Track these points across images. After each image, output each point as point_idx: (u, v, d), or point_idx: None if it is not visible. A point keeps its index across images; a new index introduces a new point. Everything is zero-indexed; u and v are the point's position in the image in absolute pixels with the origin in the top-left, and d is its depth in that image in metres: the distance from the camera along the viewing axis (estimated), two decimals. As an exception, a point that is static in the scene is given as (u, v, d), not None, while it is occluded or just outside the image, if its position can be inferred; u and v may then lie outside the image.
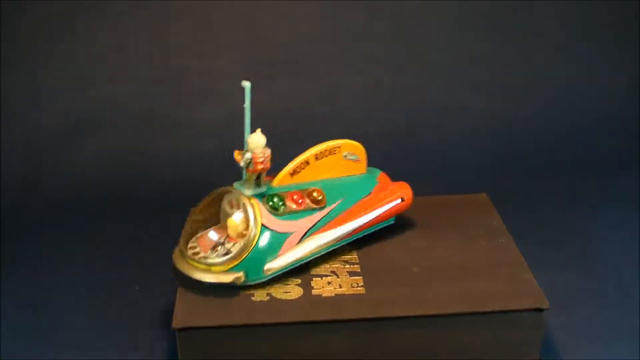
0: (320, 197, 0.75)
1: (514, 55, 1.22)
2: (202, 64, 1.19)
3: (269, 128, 1.16)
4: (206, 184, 1.08)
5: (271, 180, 0.75)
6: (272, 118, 1.17)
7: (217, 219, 0.77)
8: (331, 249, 0.76)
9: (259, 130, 0.73)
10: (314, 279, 0.74)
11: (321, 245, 0.75)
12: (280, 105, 1.18)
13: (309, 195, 0.75)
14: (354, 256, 0.78)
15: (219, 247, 0.74)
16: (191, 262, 0.72)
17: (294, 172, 0.76)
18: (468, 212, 0.85)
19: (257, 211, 0.72)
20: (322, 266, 0.76)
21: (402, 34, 1.21)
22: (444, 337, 0.71)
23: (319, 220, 0.75)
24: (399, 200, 0.80)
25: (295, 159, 0.76)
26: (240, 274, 0.71)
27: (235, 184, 0.75)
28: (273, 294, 0.72)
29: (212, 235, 0.76)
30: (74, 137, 1.14)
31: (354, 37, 1.21)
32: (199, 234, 0.76)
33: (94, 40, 1.17)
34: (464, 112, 1.19)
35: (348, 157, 0.79)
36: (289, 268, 0.73)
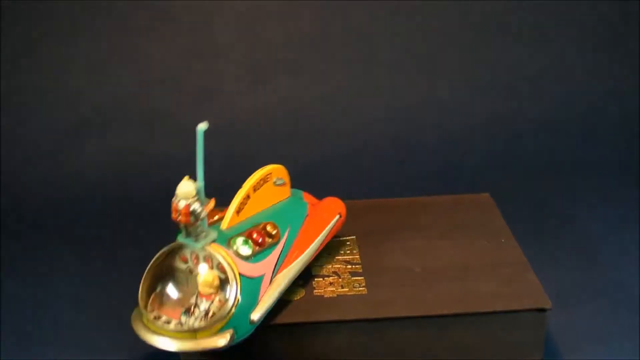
0: (274, 231, 0.70)
1: (515, 56, 1.22)
2: (203, 64, 1.19)
3: (269, 128, 1.16)
4: (208, 184, 1.09)
5: (218, 224, 0.70)
6: (271, 119, 1.18)
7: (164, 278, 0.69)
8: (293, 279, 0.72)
9: (185, 178, 0.67)
10: (315, 279, 0.74)
11: (290, 279, 0.71)
12: (280, 105, 1.18)
13: (264, 230, 0.70)
14: (355, 257, 0.78)
15: (192, 308, 0.66)
16: (163, 332, 0.65)
17: (239, 210, 0.71)
18: (470, 212, 0.85)
19: (230, 260, 0.66)
20: (324, 267, 0.76)
21: (402, 34, 1.21)
22: (445, 338, 0.71)
23: (280, 254, 0.70)
24: (338, 217, 0.78)
25: (236, 196, 0.71)
26: (231, 331, 0.65)
27: (180, 238, 0.68)
28: (275, 295, 0.72)
29: (174, 295, 0.68)
30: (74, 138, 1.14)
31: (354, 37, 1.20)
32: (163, 301, 0.68)
33: (94, 40, 1.17)
34: (466, 112, 1.19)
35: (277, 183, 0.75)
36: (270, 308, 0.69)
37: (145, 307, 0.67)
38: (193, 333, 0.64)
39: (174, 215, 0.65)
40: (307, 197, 0.79)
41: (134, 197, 1.07)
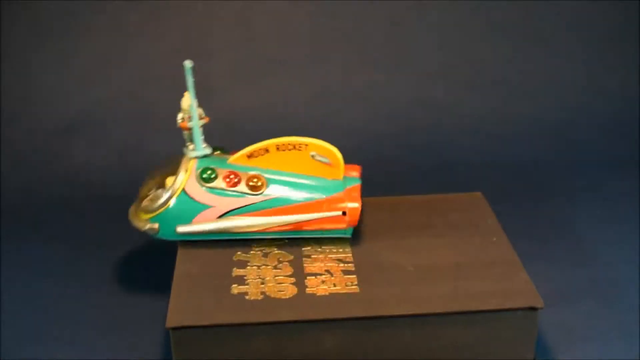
0: (259, 184, 0.77)
1: (510, 55, 1.22)
2: (196, 63, 1.19)
3: (263, 128, 1.16)
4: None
5: (229, 156, 0.79)
6: (266, 117, 1.18)
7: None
8: (264, 236, 0.78)
9: (185, 94, 0.79)
10: (308, 277, 0.74)
11: (240, 227, 0.77)
12: (274, 105, 1.18)
13: (249, 179, 0.77)
14: (348, 255, 0.78)
15: (154, 197, 0.78)
16: (135, 207, 0.80)
17: (250, 155, 0.78)
18: (463, 211, 0.85)
19: (186, 175, 0.77)
20: (317, 265, 0.76)
21: (395, 33, 1.21)
22: (438, 336, 0.71)
23: (250, 205, 0.77)
24: (339, 213, 0.77)
25: (256, 144, 0.78)
26: (155, 225, 0.77)
27: (189, 153, 0.80)
28: (267, 293, 0.72)
29: (158, 189, 0.79)
30: (73, 137, 1.14)
31: (348, 37, 1.21)
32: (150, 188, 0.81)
33: (91, 40, 1.17)
34: (458, 110, 1.19)
35: (317, 158, 0.78)
36: (206, 238, 0.78)
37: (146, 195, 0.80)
38: (140, 213, 0.79)
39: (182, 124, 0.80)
40: (352, 189, 0.79)
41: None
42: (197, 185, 0.77)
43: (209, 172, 0.77)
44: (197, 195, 0.77)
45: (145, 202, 0.79)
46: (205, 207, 0.77)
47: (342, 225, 0.78)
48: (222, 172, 0.78)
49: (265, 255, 0.78)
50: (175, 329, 0.68)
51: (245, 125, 1.16)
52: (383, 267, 0.75)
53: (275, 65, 1.19)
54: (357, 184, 0.79)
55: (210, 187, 0.77)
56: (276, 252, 0.78)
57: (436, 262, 0.76)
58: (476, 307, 0.70)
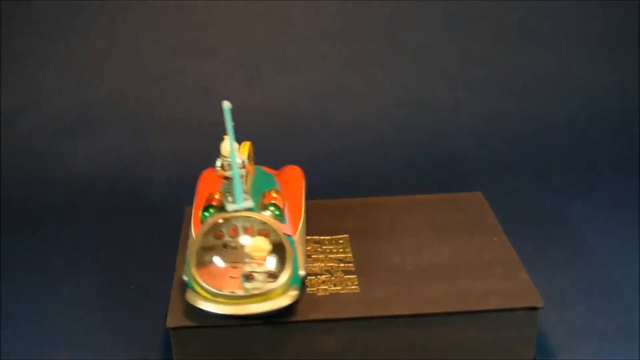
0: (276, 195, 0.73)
1: (511, 55, 1.22)
2: (199, 63, 1.19)
3: (263, 127, 1.16)
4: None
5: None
6: (266, 117, 1.18)
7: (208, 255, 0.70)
8: None
9: (225, 138, 0.71)
10: (308, 277, 0.74)
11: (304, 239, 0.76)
12: (275, 103, 1.18)
13: (277, 195, 0.73)
14: (348, 255, 0.78)
15: (255, 274, 0.68)
16: (234, 301, 0.67)
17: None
18: (463, 210, 0.85)
19: (272, 221, 0.69)
20: (317, 265, 0.76)
21: (397, 33, 1.21)
22: (438, 336, 0.71)
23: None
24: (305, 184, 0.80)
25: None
26: (295, 287, 0.68)
27: (226, 203, 0.70)
28: (267, 293, 0.72)
29: (219, 264, 0.69)
30: (73, 137, 1.14)
31: (348, 35, 1.21)
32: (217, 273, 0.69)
33: (91, 40, 1.17)
34: (460, 110, 1.19)
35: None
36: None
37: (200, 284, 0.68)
38: (267, 296, 0.67)
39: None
40: (266, 169, 0.80)
41: (132, 196, 1.07)
42: (278, 222, 0.70)
43: (272, 207, 0.71)
44: (287, 230, 0.71)
45: (251, 286, 0.68)
46: (291, 237, 0.71)
47: None
48: (275, 200, 0.72)
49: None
50: (175, 329, 0.68)
51: (244, 125, 1.16)
52: (383, 267, 0.75)
53: (274, 66, 1.19)
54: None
55: (282, 218, 0.71)
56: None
57: (436, 262, 0.76)
58: (476, 307, 0.70)
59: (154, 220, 1.01)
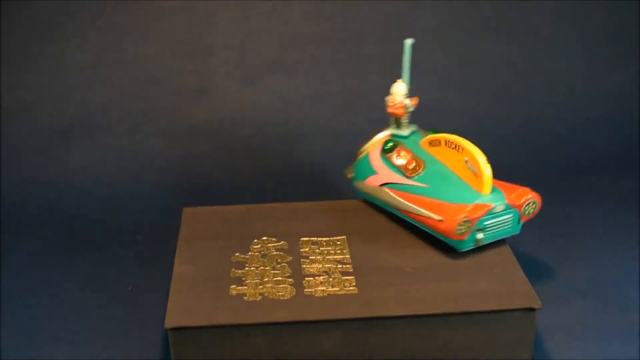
0: (411, 168, 0.81)
1: (509, 55, 1.22)
2: (196, 64, 1.19)
3: (261, 128, 1.16)
4: (202, 184, 1.09)
5: (424, 136, 0.84)
6: (264, 118, 1.18)
7: None
8: (399, 214, 0.82)
9: (399, 81, 0.83)
10: (306, 278, 0.74)
11: (385, 200, 0.83)
12: (273, 104, 1.18)
13: (409, 162, 0.81)
14: (346, 256, 0.78)
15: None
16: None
17: (431, 143, 0.82)
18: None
19: (375, 143, 0.85)
20: (315, 266, 0.76)
21: (394, 34, 1.21)
22: (436, 337, 0.71)
23: (399, 184, 0.81)
24: (437, 217, 0.76)
25: (439, 134, 0.82)
26: (351, 174, 0.88)
27: (391, 129, 0.86)
28: (265, 294, 0.72)
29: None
30: (73, 137, 1.14)
31: (347, 38, 1.20)
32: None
33: (91, 40, 1.17)
34: (460, 112, 1.19)
35: (468, 165, 0.79)
36: (368, 198, 0.86)
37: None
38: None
39: (390, 109, 0.84)
40: (477, 207, 0.76)
41: (131, 196, 1.07)
42: (377, 150, 0.85)
43: (390, 144, 0.84)
44: (374, 161, 0.84)
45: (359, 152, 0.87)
46: (374, 172, 0.84)
47: (439, 231, 0.77)
48: (401, 147, 0.83)
49: (264, 256, 0.78)
50: (173, 329, 0.68)
51: (244, 125, 1.17)
52: (381, 268, 0.76)
53: (273, 66, 1.19)
54: (495, 204, 0.77)
55: (383, 158, 0.84)
56: (274, 253, 0.79)
57: (434, 263, 0.76)
58: (474, 307, 0.70)
59: (152, 221, 1.01)
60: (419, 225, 0.80)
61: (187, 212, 0.87)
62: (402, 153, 0.83)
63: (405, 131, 0.85)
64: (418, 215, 0.79)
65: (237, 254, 0.78)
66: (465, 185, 0.78)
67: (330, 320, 0.69)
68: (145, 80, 1.17)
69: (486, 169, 0.77)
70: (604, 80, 1.23)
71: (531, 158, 1.14)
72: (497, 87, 1.21)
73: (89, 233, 0.99)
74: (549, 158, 1.14)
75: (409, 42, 0.82)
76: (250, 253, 0.78)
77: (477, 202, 0.76)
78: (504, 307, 0.70)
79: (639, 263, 0.90)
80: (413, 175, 0.81)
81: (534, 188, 1.07)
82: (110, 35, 1.17)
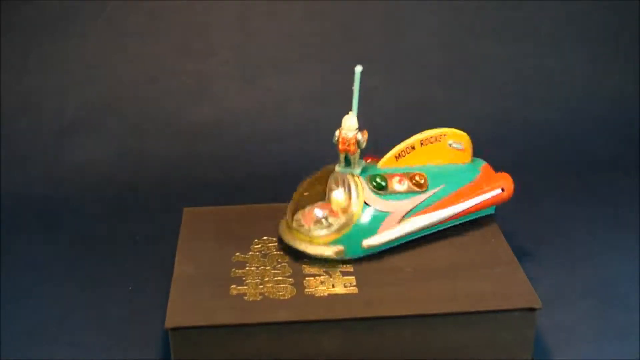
0: (422, 181, 0.78)
1: (510, 55, 1.22)
2: (196, 65, 1.19)
3: (260, 127, 1.16)
4: (203, 184, 1.09)
5: (377, 162, 0.79)
6: (264, 118, 1.18)
7: (322, 196, 0.79)
8: (428, 232, 0.79)
9: (351, 112, 0.78)
10: (306, 278, 0.74)
11: (419, 227, 0.78)
12: (272, 105, 1.18)
13: (412, 178, 0.78)
14: (347, 256, 0.78)
15: (322, 221, 0.76)
16: (295, 233, 0.77)
17: (399, 156, 0.79)
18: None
19: (360, 188, 0.76)
20: (315, 266, 0.76)
21: (394, 33, 1.21)
22: (436, 337, 0.71)
23: (420, 203, 0.78)
24: (499, 191, 0.82)
25: (400, 144, 0.80)
26: (341, 248, 0.75)
27: (338, 168, 0.79)
28: (266, 294, 0.72)
29: (317, 210, 0.77)
30: (73, 137, 1.14)
31: (347, 37, 1.20)
32: (305, 209, 0.78)
33: (91, 39, 1.17)
34: (459, 112, 1.19)
35: (453, 146, 0.81)
36: (386, 247, 0.77)
37: (292, 216, 0.78)
38: (312, 239, 0.76)
39: (342, 146, 0.77)
40: (484, 168, 0.84)
41: (131, 196, 1.07)
42: (373, 195, 0.76)
43: (378, 179, 0.77)
44: (379, 205, 0.76)
45: (317, 228, 0.76)
46: (386, 214, 0.76)
47: (502, 201, 0.82)
48: (388, 177, 0.78)
49: (264, 256, 0.78)
50: (174, 329, 0.68)
51: (241, 127, 1.17)
52: (381, 268, 0.76)
53: (273, 66, 1.19)
54: (484, 162, 0.84)
55: (384, 194, 0.77)
56: (275, 253, 0.79)
57: (434, 263, 0.76)
58: (474, 307, 0.70)
59: (153, 221, 1.01)
60: (462, 220, 0.81)
61: (188, 212, 0.87)
62: (398, 178, 0.78)
63: (357, 169, 0.78)
64: (468, 208, 0.80)
65: (237, 253, 0.78)
66: (457, 165, 0.82)
67: (331, 320, 0.69)
68: (145, 80, 1.17)
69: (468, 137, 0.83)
70: (604, 80, 1.23)
71: (531, 158, 1.14)
72: (497, 86, 1.21)
73: (89, 233, 0.99)
74: (549, 158, 1.14)
75: (359, 69, 0.77)
76: (250, 253, 0.78)
77: (480, 166, 0.83)
78: (504, 307, 0.70)
79: (639, 263, 0.90)
80: (424, 187, 0.79)
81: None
82: (112, 34, 1.17)
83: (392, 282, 0.73)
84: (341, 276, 0.74)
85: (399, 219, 0.77)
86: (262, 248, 0.79)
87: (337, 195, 0.77)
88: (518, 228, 0.93)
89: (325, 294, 0.72)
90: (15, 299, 0.86)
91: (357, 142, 0.76)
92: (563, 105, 1.21)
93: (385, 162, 0.79)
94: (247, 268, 0.76)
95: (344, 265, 0.76)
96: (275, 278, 0.74)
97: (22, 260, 0.94)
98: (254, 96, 1.18)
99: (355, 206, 0.75)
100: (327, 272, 0.75)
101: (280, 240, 0.79)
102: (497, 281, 0.73)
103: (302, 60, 1.20)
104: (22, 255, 0.95)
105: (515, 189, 0.84)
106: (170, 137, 1.15)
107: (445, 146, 0.81)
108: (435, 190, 0.79)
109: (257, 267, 0.76)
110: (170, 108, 1.17)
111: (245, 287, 0.73)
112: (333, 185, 0.78)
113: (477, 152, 1.14)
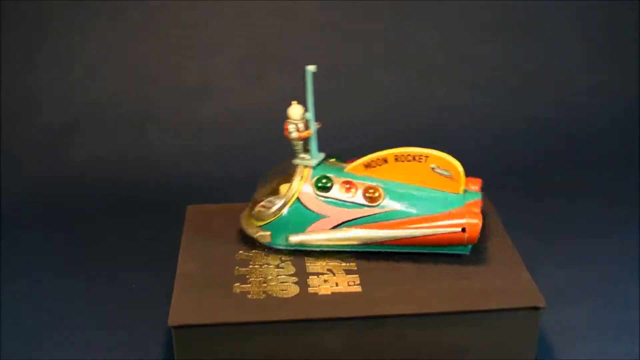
0: (375, 195, 0.74)
1: (511, 55, 1.23)
2: (199, 62, 1.19)
3: (264, 126, 1.16)
4: (204, 183, 1.09)
5: (345, 166, 0.77)
6: (267, 116, 1.17)
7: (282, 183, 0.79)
8: (390, 249, 0.75)
9: (294, 103, 0.77)
10: (310, 276, 0.74)
11: (358, 240, 0.75)
12: (274, 102, 1.18)
13: (366, 190, 0.75)
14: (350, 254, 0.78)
15: (266, 203, 0.77)
16: (248, 212, 0.79)
17: (368, 165, 0.76)
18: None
19: (300, 183, 0.75)
20: (319, 264, 0.76)
21: (398, 32, 1.21)
22: (440, 336, 0.71)
23: (365, 216, 0.74)
24: (458, 230, 0.73)
25: (373, 154, 0.76)
26: (267, 233, 0.76)
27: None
28: (269, 292, 0.72)
29: (269, 197, 0.78)
30: (73, 137, 1.14)
31: (348, 36, 1.21)
32: (260, 191, 0.79)
33: (91, 39, 1.17)
34: (460, 111, 1.19)
35: (437, 171, 0.75)
36: (318, 249, 0.76)
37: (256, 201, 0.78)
38: (251, 220, 0.78)
39: (297, 134, 0.76)
40: (471, 204, 0.75)
41: (133, 195, 1.07)
42: (313, 194, 0.75)
43: (324, 180, 0.75)
44: (312, 205, 0.75)
45: (258, 209, 0.77)
46: (319, 217, 0.75)
47: (461, 242, 0.74)
48: (338, 181, 0.75)
49: (268, 254, 0.78)
50: (177, 327, 0.68)
51: (244, 125, 1.17)
52: (385, 267, 0.75)
53: (277, 64, 1.19)
54: (478, 198, 0.76)
55: (325, 197, 0.75)
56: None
57: (438, 262, 0.76)
58: (478, 306, 0.70)
59: (155, 219, 1.01)
60: (409, 250, 0.75)
61: (191, 209, 0.86)
62: (347, 185, 0.75)
63: (312, 161, 0.76)
64: (420, 237, 0.74)
65: (240, 251, 0.78)
66: (438, 192, 0.75)
67: (334, 318, 0.69)
68: (148, 78, 1.17)
69: (461, 168, 0.75)
70: (605, 80, 1.23)
71: (532, 158, 1.14)
72: (500, 86, 1.21)
73: (90, 232, 0.99)
74: (550, 158, 1.15)
75: (311, 68, 0.76)
76: (254, 251, 0.78)
77: (467, 202, 0.75)
78: (508, 306, 0.70)
79: (639, 263, 0.90)
80: (377, 202, 0.74)
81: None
82: (113, 34, 1.17)
83: (395, 280, 0.73)
84: (345, 274, 0.74)
85: (334, 225, 0.75)
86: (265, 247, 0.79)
87: (278, 182, 0.78)
88: (522, 226, 0.93)
89: (329, 292, 0.72)
90: (15, 299, 0.86)
91: (289, 131, 0.76)
92: (564, 105, 1.21)
93: (352, 168, 0.76)
94: (250, 266, 0.76)
95: (348, 264, 0.76)
96: (279, 276, 0.74)
97: (22, 260, 0.93)
98: (258, 94, 1.18)
99: (288, 199, 0.75)
100: (330, 271, 0.75)
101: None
102: (501, 280, 0.73)
103: (306, 57, 1.20)
104: (22, 254, 0.94)
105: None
106: (174, 135, 1.15)
107: (426, 169, 0.75)
108: (390, 209, 0.74)
109: (261, 266, 0.76)
110: (174, 106, 1.17)
111: (248, 285, 0.73)
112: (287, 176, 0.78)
113: (478, 152, 1.15)
